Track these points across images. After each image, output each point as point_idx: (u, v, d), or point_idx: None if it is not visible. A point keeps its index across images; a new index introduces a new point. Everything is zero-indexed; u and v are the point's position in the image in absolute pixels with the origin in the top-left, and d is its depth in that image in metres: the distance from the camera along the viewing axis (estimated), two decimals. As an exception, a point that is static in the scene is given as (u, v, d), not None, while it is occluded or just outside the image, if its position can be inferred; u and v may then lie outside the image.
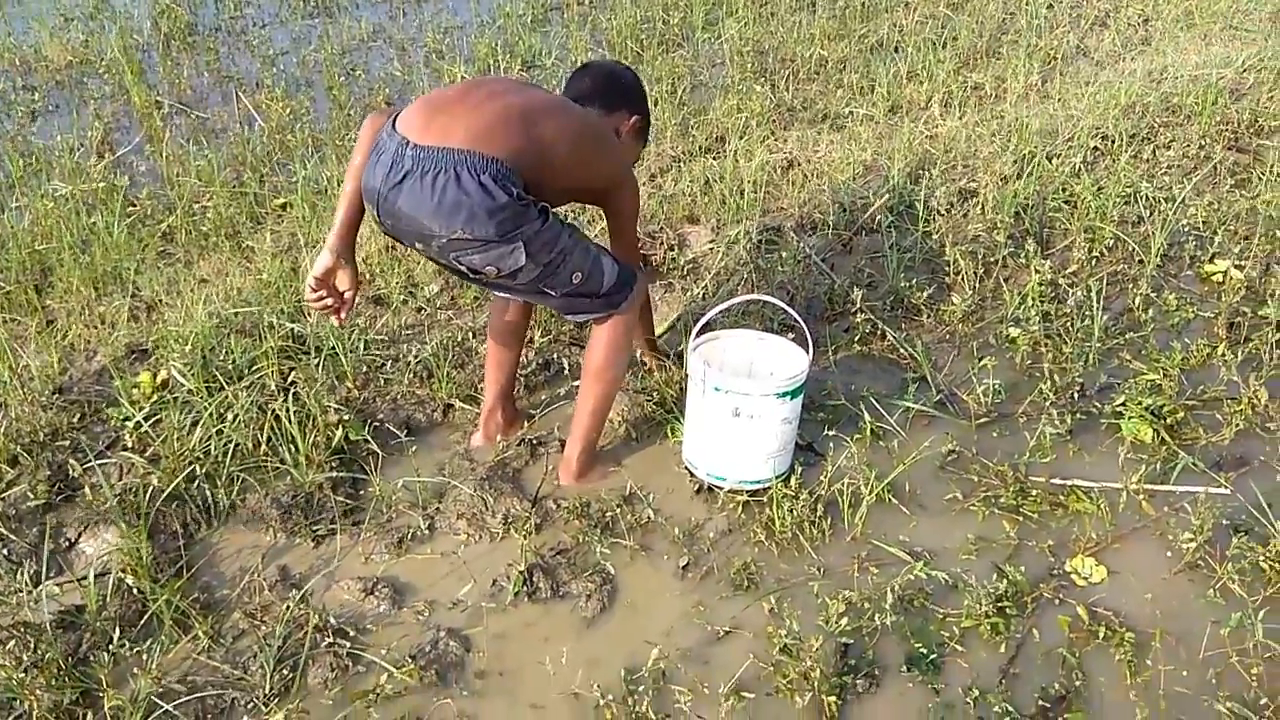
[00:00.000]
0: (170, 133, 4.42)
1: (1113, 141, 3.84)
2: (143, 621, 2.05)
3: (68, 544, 2.27)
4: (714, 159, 3.95)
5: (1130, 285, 3.09)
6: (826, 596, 2.04)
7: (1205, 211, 3.39)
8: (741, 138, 4.09)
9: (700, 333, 2.40)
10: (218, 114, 4.67)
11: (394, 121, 2.03)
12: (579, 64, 2.51)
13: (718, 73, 4.95)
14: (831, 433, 2.50)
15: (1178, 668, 1.97)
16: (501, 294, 2.38)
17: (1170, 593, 2.13)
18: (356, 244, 2.17)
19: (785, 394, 2.25)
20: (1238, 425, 2.52)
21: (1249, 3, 5.59)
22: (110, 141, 4.39)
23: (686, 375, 2.41)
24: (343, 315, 2.19)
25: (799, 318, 2.45)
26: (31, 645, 1.95)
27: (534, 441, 2.55)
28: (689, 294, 3.11)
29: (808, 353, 2.33)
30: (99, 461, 2.38)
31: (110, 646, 1.96)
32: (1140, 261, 3.16)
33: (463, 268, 2.07)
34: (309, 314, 2.93)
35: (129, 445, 2.44)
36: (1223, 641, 2.00)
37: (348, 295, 2.15)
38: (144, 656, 1.96)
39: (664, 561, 2.23)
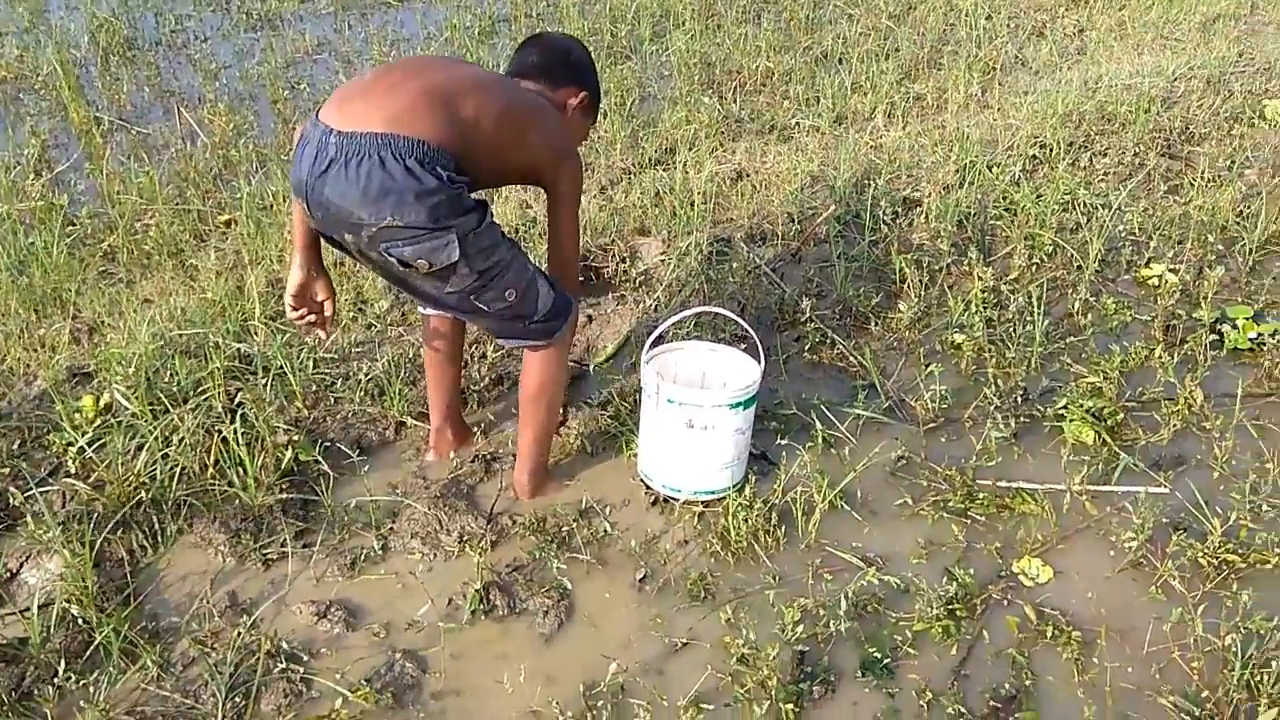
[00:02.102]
0: (110, 149, 4.34)
1: (1051, 150, 3.94)
2: (89, 652, 2.01)
3: (9, 575, 2.21)
4: (664, 171, 3.97)
5: (1070, 291, 3.17)
6: (782, 605, 2.07)
7: (1141, 217, 3.49)
8: (690, 149, 4.12)
9: (653, 345, 2.41)
10: (159, 130, 4.59)
11: (318, 112, 1.98)
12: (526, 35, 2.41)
13: (666, 85, 4.98)
14: (784, 441, 2.53)
15: (1123, 664, 2.02)
16: (434, 310, 2.35)
17: (1114, 591, 2.19)
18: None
19: (738, 404, 2.27)
20: (1175, 425, 2.59)
21: (1178, 14, 5.77)
22: (48, 159, 4.29)
23: (640, 388, 2.42)
24: (327, 328, 2.23)
25: (750, 328, 2.48)
26: (-28, 681, 1.90)
27: (488, 457, 2.54)
28: (641, 306, 3.13)
29: (759, 363, 2.36)
30: (41, 489, 2.32)
31: (56, 679, 1.92)
32: (1079, 267, 3.24)
33: (393, 260, 1.98)
34: (255, 333, 2.89)
35: (72, 471, 2.38)
36: (1165, 637, 2.06)
37: (326, 307, 2.19)
38: (91, 689, 1.91)
39: (621, 575, 2.23)
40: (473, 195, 2.02)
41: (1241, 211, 3.53)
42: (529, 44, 2.33)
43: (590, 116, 2.39)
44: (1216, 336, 2.93)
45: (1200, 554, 2.21)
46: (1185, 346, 2.88)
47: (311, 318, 2.19)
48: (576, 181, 2.26)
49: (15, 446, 2.51)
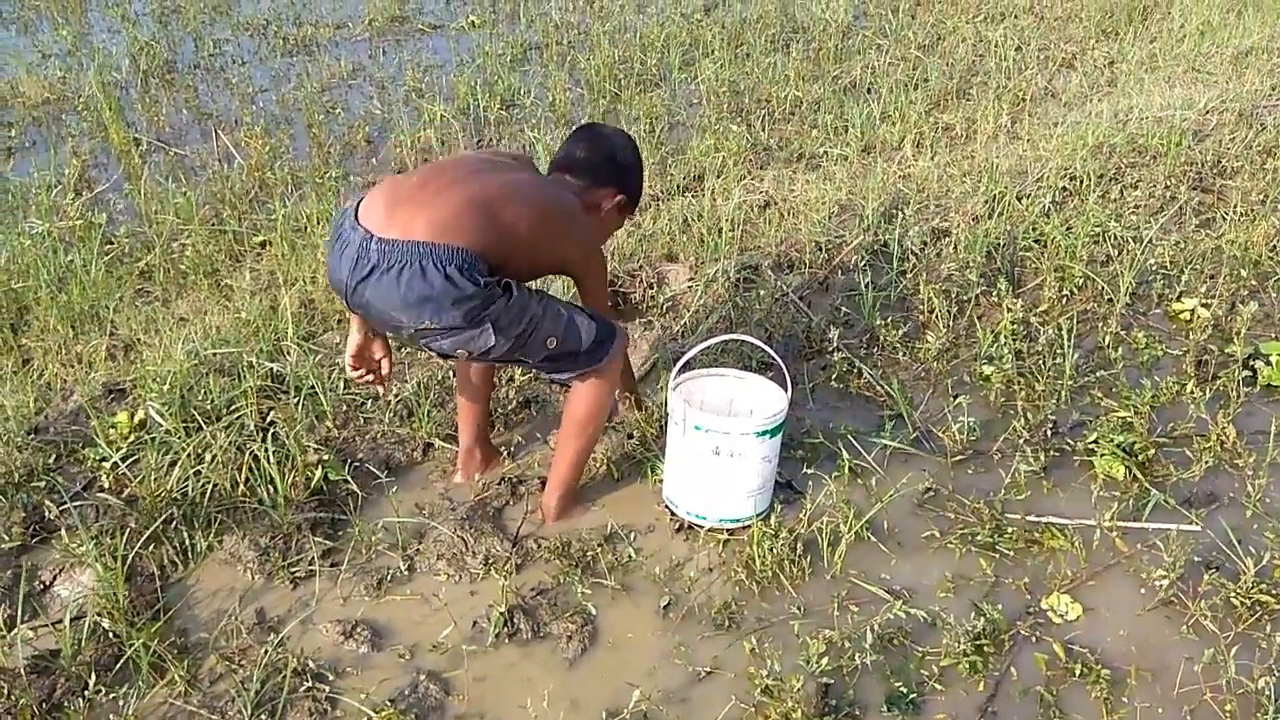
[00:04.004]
0: (149, 170, 4.42)
1: (1081, 182, 3.92)
2: (119, 666, 2.02)
3: (42, 587, 2.24)
4: (692, 198, 4.00)
5: (1100, 324, 3.15)
6: (807, 636, 2.05)
7: (1172, 250, 3.47)
8: (719, 177, 4.14)
9: (680, 372, 2.42)
10: (196, 151, 4.68)
11: (356, 210, 2.04)
12: (581, 122, 2.51)
13: (694, 112, 5.02)
14: (810, 470, 2.53)
15: (1153, 705, 1.99)
16: None
17: (1145, 630, 2.16)
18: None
19: (765, 433, 2.27)
20: (1207, 462, 2.57)
21: (1210, 46, 5.75)
22: (88, 179, 4.38)
23: (667, 414, 2.43)
24: (386, 384, 2.37)
25: (777, 356, 2.48)
26: (4, 691, 1.92)
27: (514, 480, 2.55)
28: (668, 332, 3.14)
29: (786, 391, 2.36)
30: (75, 503, 2.36)
31: (86, 692, 1.94)
32: (1109, 300, 3.22)
33: (434, 351, 2.11)
34: (288, 353, 2.93)
35: (106, 486, 2.42)
36: (1197, 678, 2.03)
37: (384, 365, 2.30)
38: (120, 702, 1.93)
39: (645, 601, 2.23)
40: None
41: (1275, 246, 3.50)
42: (579, 136, 2.40)
43: (624, 215, 2.47)
44: (1249, 373, 2.90)
45: (1233, 594, 2.18)
46: (1217, 382, 2.86)
47: (370, 376, 2.30)
48: (602, 271, 2.38)
49: (51, 460, 2.55)
